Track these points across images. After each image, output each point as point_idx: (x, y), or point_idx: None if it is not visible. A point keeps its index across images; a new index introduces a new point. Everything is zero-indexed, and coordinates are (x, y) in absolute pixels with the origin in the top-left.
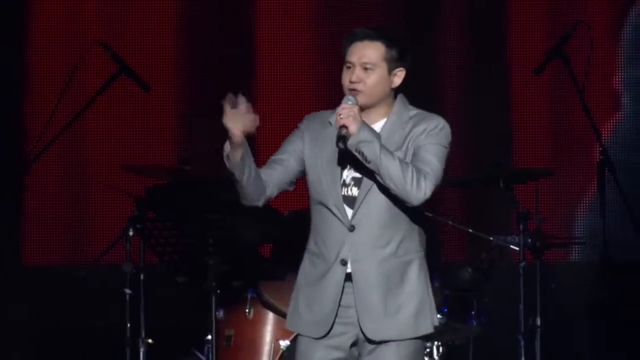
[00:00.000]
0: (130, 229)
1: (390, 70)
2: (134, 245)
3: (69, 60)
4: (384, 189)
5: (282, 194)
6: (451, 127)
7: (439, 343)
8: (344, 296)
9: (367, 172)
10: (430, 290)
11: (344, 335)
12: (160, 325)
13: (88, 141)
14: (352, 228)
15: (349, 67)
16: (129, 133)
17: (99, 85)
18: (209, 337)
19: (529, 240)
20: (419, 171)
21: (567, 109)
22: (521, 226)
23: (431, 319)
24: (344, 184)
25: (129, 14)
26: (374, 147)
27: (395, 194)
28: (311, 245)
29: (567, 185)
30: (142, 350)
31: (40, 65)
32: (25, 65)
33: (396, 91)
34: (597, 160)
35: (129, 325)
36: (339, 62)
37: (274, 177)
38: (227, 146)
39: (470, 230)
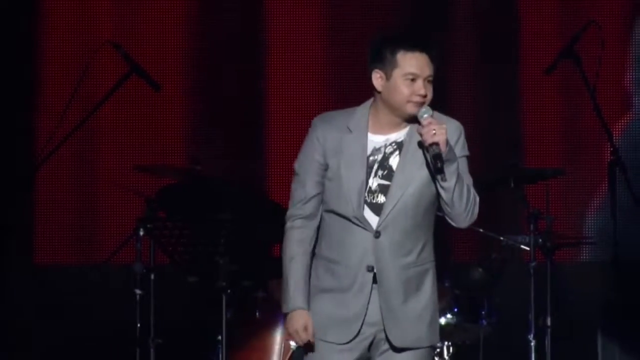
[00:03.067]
0: (141, 229)
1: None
2: (145, 245)
3: (80, 60)
4: (412, 198)
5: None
6: (463, 127)
7: (450, 343)
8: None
9: (400, 180)
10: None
11: (363, 336)
12: (171, 326)
13: (99, 141)
14: (377, 234)
15: (412, 80)
16: (139, 133)
17: (110, 85)
18: (220, 337)
19: (540, 240)
20: (475, 198)
21: (577, 109)
22: (532, 226)
23: (438, 328)
24: (370, 191)
25: (140, 14)
26: (454, 169)
27: (450, 214)
28: (327, 252)
29: (577, 185)
30: (152, 350)
31: (51, 65)
32: (37, 64)
33: None
34: (608, 160)
35: (139, 325)
36: (348, 58)
37: (318, 208)
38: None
39: (481, 230)
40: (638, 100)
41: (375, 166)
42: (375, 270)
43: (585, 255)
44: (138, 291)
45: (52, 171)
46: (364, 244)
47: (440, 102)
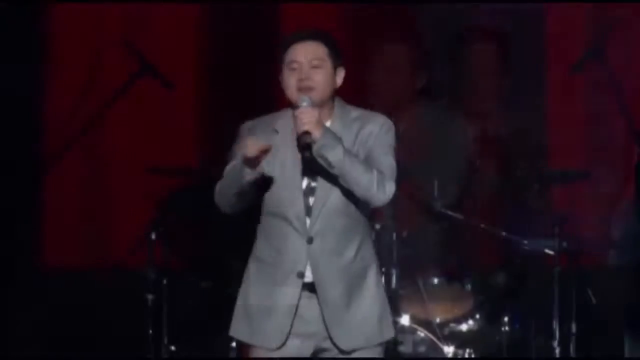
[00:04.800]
0: (153, 232)
1: (334, 68)
2: (157, 249)
3: (91, 58)
4: (340, 197)
5: None
6: (487, 128)
7: (471, 350)
8: (302, 307)
9: (324, 179)
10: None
11: (301, 348)
12: (184, 332)
13: (110, 141)
14: (310, 240)
15: (294, 68)
16: (151, 133)
17: (121, 83)
18: (234, 343)
19: (565, 244)
20: (380, 173)
21: (604, 109)
22: (556, 229)
23: (392, 323)
24: (304, 194)
25: (152, 12)
26: (338, 151)
27: (359, 197)
28: (260, 252)
29: (603, 188)
30: (164, 357)
31: (62, 63)
32: (48, 63)
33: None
34: (635, 161)
35: (151, 331)
36: (364, 62)
37: None
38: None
39: (504, 234)
40: None
41: (303, 167)
42: (307, 276)
43: (612, 260)
44: (150, 296)
45: (62, 172)
46: (297, 250)
47: (465, 102)
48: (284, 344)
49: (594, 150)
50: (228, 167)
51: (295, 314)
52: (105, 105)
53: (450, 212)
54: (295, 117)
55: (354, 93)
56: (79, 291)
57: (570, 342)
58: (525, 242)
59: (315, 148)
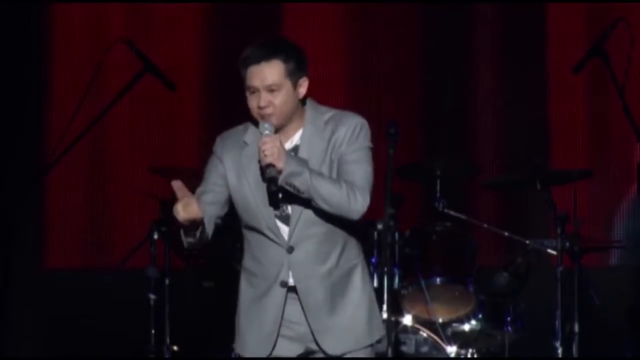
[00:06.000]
0: (155, 232)
1: (294, 85)
2: (159, 249)
3: (93, 58)
4: (315, 206)
5: None
6: (488, 127)
7: (474, 350)
8: (288, 310)
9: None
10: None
11: (291, 350)
12: (186, 332)
13: (112, 141)
14: (290, 250)
15: (253, 92)
16: (154, 133)
17: (123, 84)
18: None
19: (567, 243)
20: (350, 186)
21: (606, 108)
22: (559, 229)
23: (381, 321)
24: (280, 203)
25: (154, 12)
26: (304, 177)
27: (333, 214)
28: (247, 263)
29: (606, 187)
30: (167, 357)
31: (64, 64)
32: (49, 63)
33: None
34: (638, 161)
35: (153, 331)
36: (370, 55)
37: (211, 215)
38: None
39: (506, 234)
40: None
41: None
42: (291, 285)
43: (614, 260)
44: (152, 296)
45: (64, 172)
46: (278, 259)
47: (467, 102)
48: (273, 348)
49: (596, 150)
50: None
51: (281, 319)
52: (108, 106)
53: (453, 212)
54: (258, 148)
55: (354, 92)
56: (81, 291)
57: (572, 342)
58: (528, 242)
59: (281, 178)
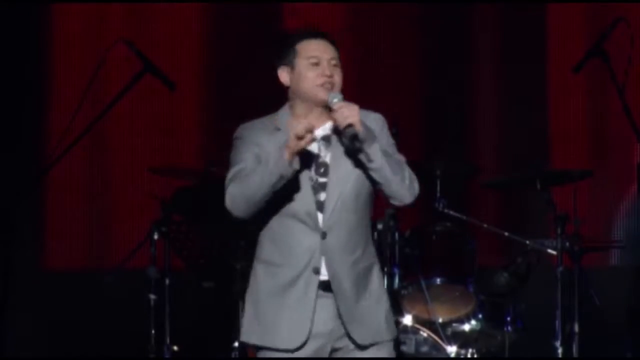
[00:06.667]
0: (155, 233)
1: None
2: (159, 249)
3: (93, 58)
4: (351, 193)
5: None
6: (488, 127)
7: (474, 350)
8: (317, 307)
9: (335, 175)
10: None
11: (319, 349)
12: (186, 332)
13: (112, 141)
14: (324, 235)
15: (315, 64)
16: (154, 133)
17: (124, 84)
18: (236, 343)
19: (567, 244)
20: (410, 171)
21: (606, 108)
22: (559, 229)
23: (394, 324)
24: (314, 189)
25: (153, 12)
26: (376, 146)
27: (388, 194)
28: (267, 254)
29: (606, 187)
30: (167, 357)
31: (63, 64)
32: (49, 63)
33: None
34: (638, 161)
35: (153, 332)
36: (370, 52)
37: None
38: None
39: (506, 234)
40: None
41: (314, 164)
42: (323, 275)
43: (615, 260)
44: (152, 296)
45: (64, 172)
46: (310, 246)
47: (467, 102)
48: (303, 345)
49: (596, 150)
50: (247, 170)
51: (313, 313)
52: (108, 106)
53: (452, 212)
54: (335, 111)
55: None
56: (81, 291)
57: (572, 342)
58: (528, 242)
59: (361, 136)
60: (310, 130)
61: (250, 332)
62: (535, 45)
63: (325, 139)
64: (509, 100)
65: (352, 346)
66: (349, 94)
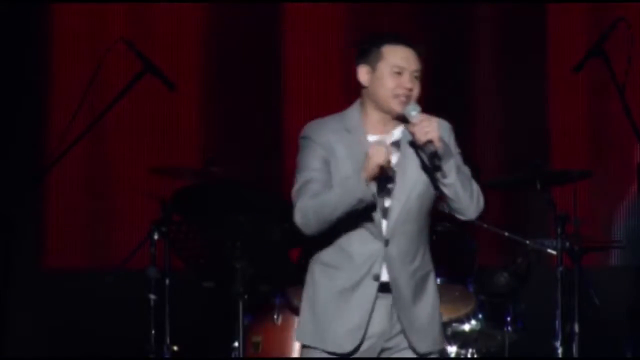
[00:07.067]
0: (155, 233)
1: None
2: (159, 249)
3: (93, 58)
4: (415, 202)
5: None
6: (488, 127)
7: (474, 350)
8: (374, 308)
9: (402, 182)
10: None
11: (369, 350)
12: (186, 332)
13: (112, 141)
14: (386, 243)
15: (398, 73)
16: (154, 133)
17: (124, 84)
18: (236, 344)
19: (567, 244)
20: (477, 187)
21: (606, 108)
22: (559, 229)
23: (443, 334)
24: (379, 195)
25: (154, 12)
26: (452, 163)
27: (454, 208)
28: (327, 257)
29: (606, 187)
30: (167, 357)
31: (64, 64)
32: (49, 63)
33: None
34: (638, 161)
35: (153, 332)
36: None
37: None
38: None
39: (506, 234)
40: None
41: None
42: (383, 280)
43: (615, 260)
44: (152, 296)
45: (65, 172)
46: (372, 253)
47: (467, 102)
48: (360, 344)
49: (596, 150)
50: (315, 183)
51: (371, 313)
52: (108, 106)
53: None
54: (415, 125)
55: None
56: (81, 291)
57: (572, 342)
58: (528, 242)
59: (440, 153)
60: (389, 157)
61: (304, 332)
62: (536, 45)
63: (394, 145)
64: (509, 100)
65: (402, 346)
66: (350, 94)
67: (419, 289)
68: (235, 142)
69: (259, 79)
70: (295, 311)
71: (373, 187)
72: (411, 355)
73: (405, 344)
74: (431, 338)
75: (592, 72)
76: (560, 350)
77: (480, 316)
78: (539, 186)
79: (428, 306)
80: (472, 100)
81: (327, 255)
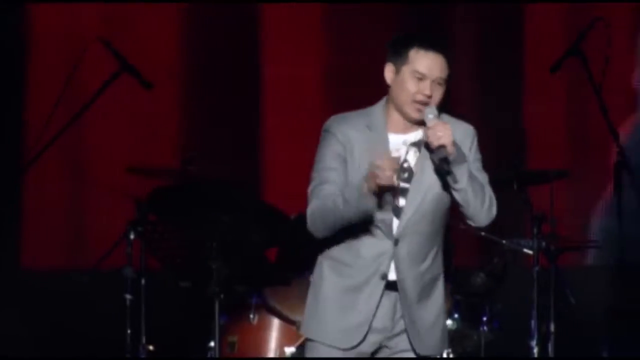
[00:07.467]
0: (132, 232)
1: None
2: (135, 249)
3: (69, 58)
4: (430, 203)
5: (288, 195)
6: None
7: (450, 350)
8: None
9: (418, 182)
10: None
11: (367, 343)
12: (162, 332)
13: (89, 141)
14: (396, 242)
15: (419, 78)
16: (131, 133)
17: (101, 83)
18: (212, 343)
19: (543, 243)
20: (490, 195)
21: (583, 108)
22: (535, 229)
23: (447, 338)
24: (393, 195)
25: (131, 12)
26: (465, 170)
27: (465, 214)
28: (337, 253)
29: (583, 187)
30: (142, 357)
31: (40, 63)
32: (26, 62)
33: None
34: (614, 161)
35: (129, 331)
36: (349, 52)
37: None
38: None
39: (483, 234)
40: None
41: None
42: (391, 279)
43: (591, 260)
44: (128, 296)
45: (41, 172)
46: (381, 251)
47: (443, 101)
48: (361, 342)
49: (573, 150)
50: (329, 188)
51: (374, 315)
52: (85, 105)
53: None
54: (429, 129)
55: (332, 92)
56: (57, 291)
57: (548, 342)
58: (504, 241)
59: (451, 159)
60: (395, 166)
61: (309, 326)
62: (513, 45)
63: (415, 145)
64: (486, 100)
65: (402, 347)
66: (328, 94)
67: (426, 291)
68: (213, 142)
69: (237, 79)
70: (272, 311)
71: (373, 200)
72: (410, 355)
73: (405, 345)
74: (433, 342)
75: (570, 72)
76: (536, 350)
77: (456, 316)
78: (515, 186)
79: (434, 309)
80: (448, 99)
81: (336, 251)
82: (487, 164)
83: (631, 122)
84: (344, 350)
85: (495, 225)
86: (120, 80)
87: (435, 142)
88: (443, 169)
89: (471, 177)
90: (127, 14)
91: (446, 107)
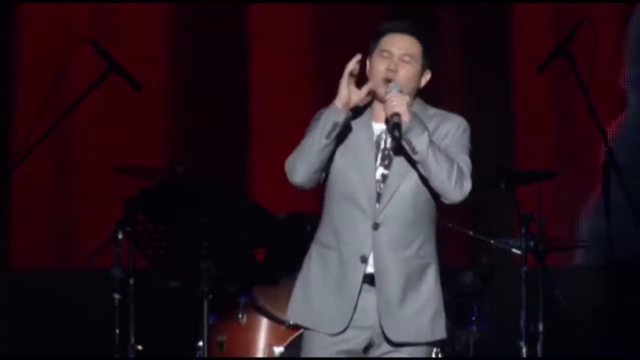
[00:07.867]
0: (120, 232)
1: (423, 69)
2: (124, 248)
3: (58, 58)
4: (410, 188)
5: (277, 195)
6: None
7: (438, 349)
8: (361, 298)
9: (397, 168)
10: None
11: (356, 340)
12: (151, 332)
13: (77, 141)
14: (375, 226)
15: (385, 57)
16: (119, 133)
17: (89, 83)
18: (201, 343)
19: (532, 243)
20: (460, 169)
21: (571, 108)
22: (523, 229)
23: (445, 324)
24: (376, 181)
25: (119, 12)
26: (424, 137)
27: (435, 188)
28: (323, 237)
29: (571, 187)
30: (131, 356)
31: (28, 64)
32: (14, 62)
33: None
34: (602, 160)
35: (117, 331)
36: (335, 52)
37: (324, 168)
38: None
39: (471, 233)
40: (633, 99)
41: (380, 154)
42: (370, 264)
43: (579, 259)
44: (117, 296)
45: (29, 172)
46: (362, 234)
47: (430, 99)
48: (344, 331)
49: (561, 150)
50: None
51: (356, 303)
52: (72, 105)
53: None
54: (385, 100)
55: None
56: (46, 291)
57: (537, 342)
58: (492, 241)
59: (404, 127)
60: (370, 91)
61: (296, 311)
62: (500, 45)
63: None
64: (473, 100)
65: (385, 346)
66: (315, 94)
67: (412, 279)
68: (201, 142)
69: (225, 79)
70: (260, 311)
71: (348, 112)
72: (403, 355)
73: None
74: (412, 331)
75: (557, 72)
76: (524, 350)
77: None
78: (503, 186)
79: (419, 299)
80: (436, 100)
81: (323, 235)
82: (476, 164)
83: (619, 122)
84: (331, 342)
85: (483, 225)
86: (109, 80)
87: (388, 111)
88: (394, 135)
89: (437, 149)
90: (115, 14)
91: (435, 105)
